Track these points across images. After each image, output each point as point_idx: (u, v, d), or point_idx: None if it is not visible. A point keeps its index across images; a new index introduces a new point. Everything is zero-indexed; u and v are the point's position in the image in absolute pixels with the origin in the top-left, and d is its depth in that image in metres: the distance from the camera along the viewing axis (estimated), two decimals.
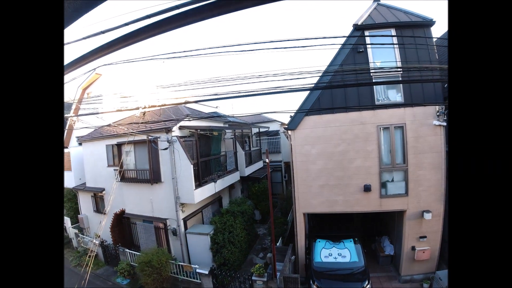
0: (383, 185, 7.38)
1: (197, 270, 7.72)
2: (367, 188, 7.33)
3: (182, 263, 8.25)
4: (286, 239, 10.16)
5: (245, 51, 4.00)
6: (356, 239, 7.79)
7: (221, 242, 8.30)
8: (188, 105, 10.93)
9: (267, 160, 7.06)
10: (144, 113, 4.91)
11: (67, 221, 12.41)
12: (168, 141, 8.22)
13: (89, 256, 6.70)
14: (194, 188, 8.27)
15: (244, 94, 4.18)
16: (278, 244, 9.34)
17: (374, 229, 9.76)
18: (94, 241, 10.25)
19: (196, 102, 8.32)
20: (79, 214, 12.33)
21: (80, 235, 11.59)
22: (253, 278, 7.08)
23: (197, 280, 7.84)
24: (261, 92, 4.35)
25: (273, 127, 17.96)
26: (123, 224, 10.17)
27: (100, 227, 7.26)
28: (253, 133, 16.93)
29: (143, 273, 7.72)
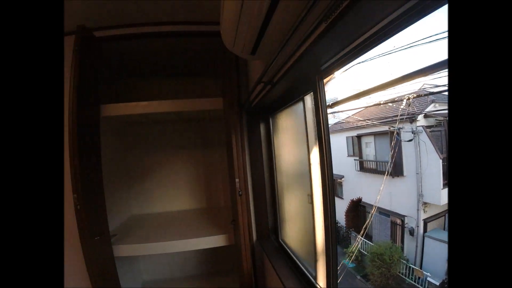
0: None
1: (428, 279, 6.90)
2: None
3: (414, 266, 7.61)
4: None
5: None
6: None
7: None
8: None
9: None
10: (409, 105, 4.84)
11: None
12: (412, 132, 7.69)
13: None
14: (441, 187, 7.26)
15: None
16: None
17: None
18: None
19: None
20: None
21: None
22: None
23: None
24: None
25: None
26: (358, 211, 10.91)
27: (371, 216, 8.29)
28: None
29: (372, 263, 7.87)
